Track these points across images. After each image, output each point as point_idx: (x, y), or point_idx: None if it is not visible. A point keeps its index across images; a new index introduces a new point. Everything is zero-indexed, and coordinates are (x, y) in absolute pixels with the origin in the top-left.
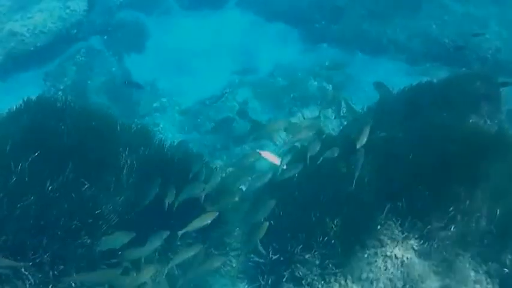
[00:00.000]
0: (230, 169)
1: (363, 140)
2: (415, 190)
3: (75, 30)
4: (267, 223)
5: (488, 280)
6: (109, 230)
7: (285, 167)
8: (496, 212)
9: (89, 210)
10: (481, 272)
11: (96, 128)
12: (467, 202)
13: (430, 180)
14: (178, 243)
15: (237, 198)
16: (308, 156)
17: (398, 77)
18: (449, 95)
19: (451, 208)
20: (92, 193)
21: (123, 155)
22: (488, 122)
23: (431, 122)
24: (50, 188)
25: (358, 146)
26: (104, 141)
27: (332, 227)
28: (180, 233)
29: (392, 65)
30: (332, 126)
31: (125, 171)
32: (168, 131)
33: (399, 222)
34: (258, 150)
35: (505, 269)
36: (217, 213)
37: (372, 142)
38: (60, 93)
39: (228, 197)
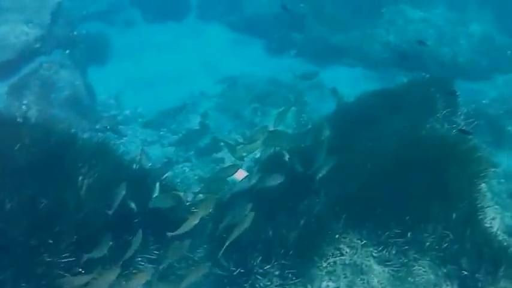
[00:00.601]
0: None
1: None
2: (372, 198)
3: (38, 45)
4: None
5: (448, 282)
6: (68, 247)
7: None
8: (453, 217)
9: (48, 228)
10: (440, 274)
11: (56, 143)
12: (425, 207)
13: (387, 188)
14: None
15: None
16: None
17: (358, 83)
18: (406, 100)
19: (408, 214)
20: (50, 211)
21: (83, 171)
22: (446, 125)
23: (388, 128)
24: (8, 206)
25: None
26: (64, 157)
27: (290, 238)
28: (170, 234)
29: (352, 71)
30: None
31: (84, 187)
32: (132, 144)
33: (357, 230)
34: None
35: (463, 271)
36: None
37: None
38: (23, 107)
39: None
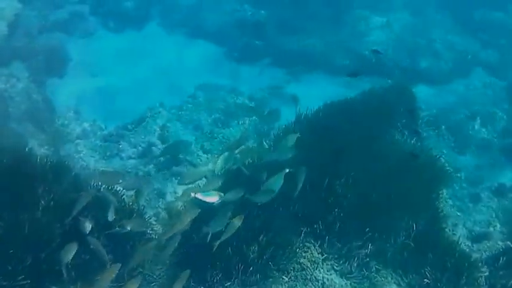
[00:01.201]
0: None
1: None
2: (332, 211)
3: None
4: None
5: None
6: (24, 270)
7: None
8: (413, 227)
9: (2, 252)
10: (403, 285)
11: (11, 163)
12: (385, 218)
13: (347, 200)
14: None
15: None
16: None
17: (323, 90)
18: (367, 109)
19: (368, 226)
20: (4, 233)
21: (39, 191)
22: (406, 133)
23: (348, 139)
24: None
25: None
26: (19, 176)
27: (250, 254)
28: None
29: (316, 78)
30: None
31: (40, 208)
32: (90, 158)
33: (318, 244)
34: (192, 193)
35: (426, 280)
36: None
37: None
38: None
39: None
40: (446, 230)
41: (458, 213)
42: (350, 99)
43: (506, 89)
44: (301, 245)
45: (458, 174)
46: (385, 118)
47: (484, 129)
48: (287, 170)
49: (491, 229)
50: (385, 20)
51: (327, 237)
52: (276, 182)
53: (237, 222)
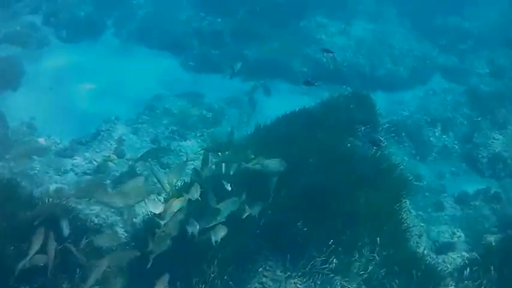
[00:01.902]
0: None
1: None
2: (293, 227)
3: None
4: None
5: None
6: None
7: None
8: (378, 240)
9: None
10: None
11: None
12: (348, 232)
13: (309, 214)
14: None
15: None
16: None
17: (283, 98)
18: (327, 118)
19: (332, 240)
20: None
21: None
22: (366, 141)
23: (308, 149)
24: None
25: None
26: None
27: (210, 274)
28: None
29: (275, 86)
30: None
31: None
32: (45, 174)
33: (280, 261)
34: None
35: None
36: None
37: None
38: None
39: None
40: (411, 242)
41: (422, 224)
42: (310, 109)
43: (466, 93)
44: (263, 263)
45: (421, 183)
46: (345, 127)
47: (445, 136)
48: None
49: (456, 239)
50: (343, 27)
51: (289, 254)
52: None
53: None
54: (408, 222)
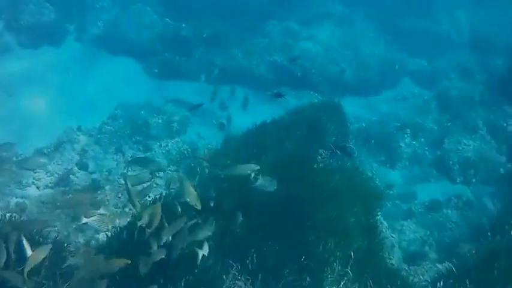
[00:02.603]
0: None
1: None
2: (263, 245)
3: None
4: None
5: None
6: None
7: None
8: (351, 255)
9: None
10: None
11: None
12: (320, 248)
13: (279, 231)
14: None
15: None
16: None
17: (250, 104)
18: (296, 128)
19: (303, 257)
20: None
21: None
22: (338, 152)
23: (277, 163)
24: None
25: None
26: None
27: None
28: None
29: (240, 93)
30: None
31: None
32: (4, 187)
33: (250, 281)
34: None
35: None
36: None
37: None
38: None
39: None
40: (384, 254)
41: (393, 235)
42: (279, 119)
43: (435, 98)
44: (231, 284)
45: (391, 191)
46: (315, 137)
47: (414, 142)
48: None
49: (427, 248)
50: (310, 32)
51: (260, 274)
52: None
53: None
54: (380, 234)
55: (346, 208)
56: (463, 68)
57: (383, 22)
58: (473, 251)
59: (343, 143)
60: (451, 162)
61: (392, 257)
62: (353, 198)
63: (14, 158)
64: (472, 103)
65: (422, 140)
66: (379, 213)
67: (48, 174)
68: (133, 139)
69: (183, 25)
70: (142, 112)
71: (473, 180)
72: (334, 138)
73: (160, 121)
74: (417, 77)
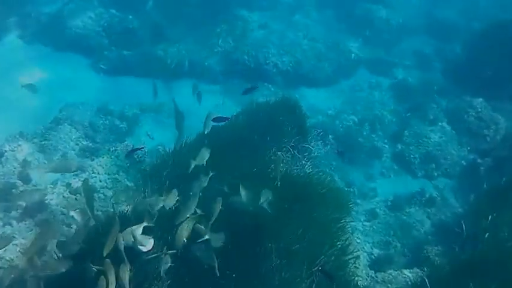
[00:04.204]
0: None
1: None
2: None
3: None
4: None
5: None
6: None
7: None
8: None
9: None
10: None
11: None
12: (286, 269)
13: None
14: None
15: None
16: None
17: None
18: (254, 131)
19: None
20: None
21: None
22: (297, 154)
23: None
24: None
25: None
26: None
27: None
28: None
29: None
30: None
31: None
32: None
33: None
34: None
35: None
36: None
37: None
38: None
39: None
40: (349, 266)
41: (358, 240)
42: (235, 119)
43: (393, 88)
44: None
45: (351, 189)
46: (274, 139)
47: (374, 135)
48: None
49: (392, 250)
50: (263, 22)
51: None
52: None
53: None
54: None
55: (311, 216)
56: (420, 56)
57: (336, 9)
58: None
59: (302, 143)
60: (411, 156)
61: (357, 267)
62: (317, 204)
63: None
64: (431, 92)
65: (381, 133)
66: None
67: None
68: (79, 145)
69: (130, 17)
70: (88, 113)
71: (435, 174)
72: (292, 140)
73: (108, 123)
74: (373, 65)
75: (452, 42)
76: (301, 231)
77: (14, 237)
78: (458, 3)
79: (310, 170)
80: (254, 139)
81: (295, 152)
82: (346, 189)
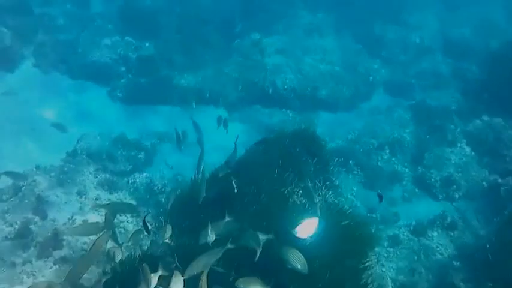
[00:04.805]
0: None
1: None
2: None
3: None
4: None
5: None
6: None
7: None
8: None
9: None
10: None
11: None
12: None
13: None
14: None
15: None
16: None
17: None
18: (272, 166)
19: None
20: None
21: None
22: (318, 183)
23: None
24: None
25: None
26: None
27: None
28: None
29: (212, 115)
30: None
31: None
32: None
33: None
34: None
35: None
36: None
37: None
38: None
39: None
40: None
41: (383, 269)
42: (252, 151)
43: (411, 109)
44: None
45: (374, 214)
46: (294, 169)
47: (394, 159)
48: None
49: (417, 276)
50: (280, 46)
51: None
52: None
53: None
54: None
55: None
56: (437, 76)
57: (354, 29)
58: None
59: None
60: (432, 180)
61: None
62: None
63: None
64: (450, 113)
65: (401, 156)
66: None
67: (7, 224)
68: (98, 178)
69: (147, 44)
70: (106, 144)
71: (456, 196)
72: (312, 169)
73: (126, 154)
74: (391, 87)
75: (469, 61)
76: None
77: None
78: (474, 21)
79: (333, 199)
80: (273, 171)
81: (317, 181)
82: (368, 215)
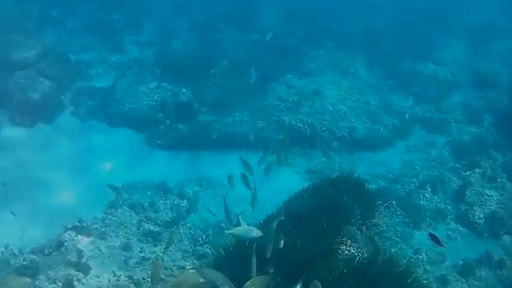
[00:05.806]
0: None
1: None
2: None
3: None
4: None
5: None
6: None
7: None
8: None
9: None
10: None
11: None
12: None
13: None
14: None
15: None
16: None
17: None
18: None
19: None
20: None
21: None
22: (364, 230)
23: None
24: None
25: None
26: None
27: None
28: None
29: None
30: None
31: None
32: None
33: None
34: None
35: None
36: None
37: None
38: None
39: None
40: None
41: None
42: (297, 197)
43: (449, 145)
44: None
45: (419, 255)
46: (342, 217)
47: (435, 197)
48: None
49: None
50: (315, 87)
51: None
52: None
53: None
54: None
55: None
56: (470, 109)
57: (384, 67)
58: None
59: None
60: (476, 218)
61: None
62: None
63: (12, 261)
64: (487, 147)
65: (442, 194)
66: None
67: (50, 281)
68: (141, 230)
69: (183, 90)
70: (148, 193)
71: (501, 233)
72: (358, 216)
73: (169, 202)
74: (426, 123)
75: (500, 94)
76: None
77: None
78: (501, 53)
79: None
80: (321, 222)
81: (364, 228)
82: (414, 256)
